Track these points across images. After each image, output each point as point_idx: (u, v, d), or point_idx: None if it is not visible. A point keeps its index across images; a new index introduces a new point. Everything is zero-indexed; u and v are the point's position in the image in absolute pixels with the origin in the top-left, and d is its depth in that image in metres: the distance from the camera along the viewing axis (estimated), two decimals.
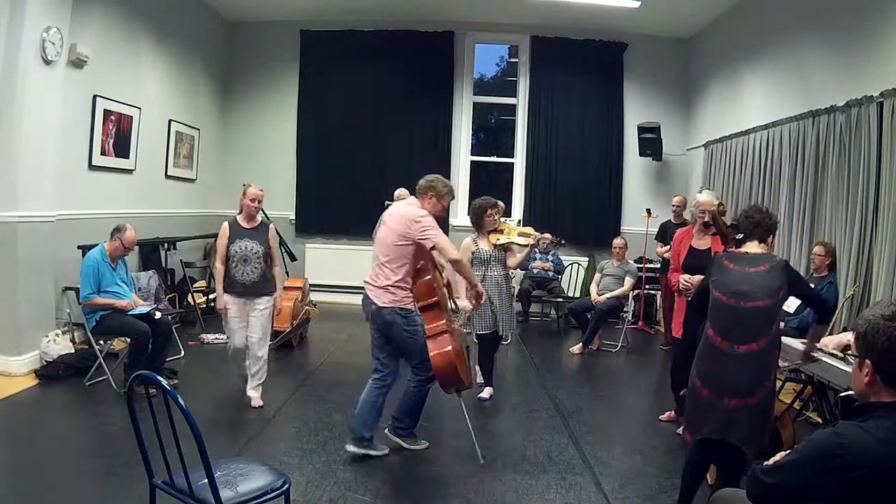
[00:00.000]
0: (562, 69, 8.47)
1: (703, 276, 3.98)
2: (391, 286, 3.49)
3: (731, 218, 3.16)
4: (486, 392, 4.80)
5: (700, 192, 4.86)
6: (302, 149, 8.68)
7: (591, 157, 8.55)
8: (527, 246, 4.69)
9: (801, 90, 5.68)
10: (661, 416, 4.53)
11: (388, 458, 3.60)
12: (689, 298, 4.12)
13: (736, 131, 6.79)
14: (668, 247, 4.18)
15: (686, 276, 4.09)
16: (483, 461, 3.59)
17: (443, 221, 8.29)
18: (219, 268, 4.31)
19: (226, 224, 4.37)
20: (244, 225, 4.36)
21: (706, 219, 4.13)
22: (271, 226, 4.54)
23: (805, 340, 3.40)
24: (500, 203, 5.07)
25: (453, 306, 3.91)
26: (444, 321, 3.57)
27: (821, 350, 3.30)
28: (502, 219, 5.06)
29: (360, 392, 3.68)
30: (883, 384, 1.54)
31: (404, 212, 3.55)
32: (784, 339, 3.34)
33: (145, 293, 5.59)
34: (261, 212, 4.52)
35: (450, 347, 3.49)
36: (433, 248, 3.47)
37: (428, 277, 3.57)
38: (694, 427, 2.82)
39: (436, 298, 3.57)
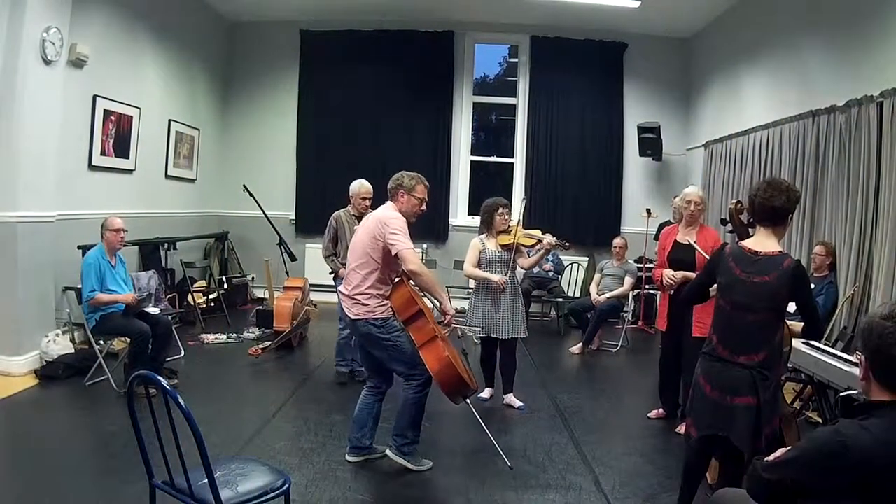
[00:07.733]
0: (562, 69, 8.47)
1: (686, 272, 4.01)
2: (360, 294, 3.36)
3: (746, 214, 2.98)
4: (487, 392, 4.80)
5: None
6: (302, 149, 8.68)
7: (590, 156, 8.55)
8: (532, 247, 4.63)
9: (801, 90, 5.68)
10: (649, 414, 4.54)
11: (387, 458, 3.59)
12: (672, 293, 4.16)
13: (736, 131, 6.78)
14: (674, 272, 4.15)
15: (670, 273, 4.12)
16: (511, 467, 3.53)
17: (443, 221, 8.50)
18: None
19: None
20: None
21: (690, 209, 4.18)
22: None
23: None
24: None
25: (432, 306, 3.70)
26: (432, 328, 3.37)
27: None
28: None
29: (359, 391, 3.68)
30: (875, 381, 1.56)
31: (380, 214, 3.46)
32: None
33: (145, 293, 5.59)
34: None
35: (447, 353, 3.33)
36: (396, 255, 3.28)
37: (402, 289, 3.41)
38: (697, 423, 2.81)
39: (417, 307, 3.38)
